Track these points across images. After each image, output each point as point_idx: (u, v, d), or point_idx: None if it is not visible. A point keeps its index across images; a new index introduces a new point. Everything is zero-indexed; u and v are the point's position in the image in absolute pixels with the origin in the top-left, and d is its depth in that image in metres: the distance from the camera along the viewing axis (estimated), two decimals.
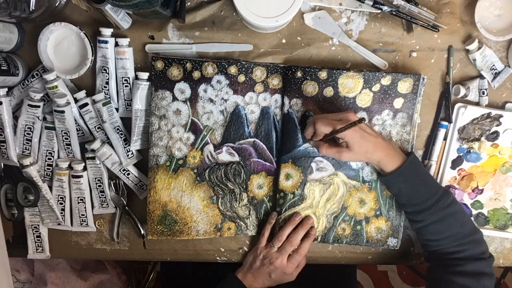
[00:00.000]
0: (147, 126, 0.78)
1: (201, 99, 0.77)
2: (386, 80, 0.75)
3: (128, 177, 0.81)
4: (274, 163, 0.79)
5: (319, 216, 0.79)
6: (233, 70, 0.76)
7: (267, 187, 0.80)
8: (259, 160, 0.79)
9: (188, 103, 0.77)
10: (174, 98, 0.77)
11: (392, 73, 0.75)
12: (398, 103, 0.76)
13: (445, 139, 0.78)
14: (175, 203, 0.79)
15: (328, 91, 0.76)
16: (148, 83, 0.77)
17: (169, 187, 0.79)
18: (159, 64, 0.76)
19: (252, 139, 0.78)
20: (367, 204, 0.79)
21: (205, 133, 0.78)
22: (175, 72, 0.76)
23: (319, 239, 0.80)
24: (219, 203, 0.80)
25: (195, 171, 0.79)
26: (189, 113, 0.77)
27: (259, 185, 0.80)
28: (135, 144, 0.78)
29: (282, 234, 0.77)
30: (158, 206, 0.79)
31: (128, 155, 0.79)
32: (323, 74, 0.75)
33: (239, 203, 0.80)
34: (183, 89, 0.77)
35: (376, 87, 0.75)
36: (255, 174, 0.79)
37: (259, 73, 0.77)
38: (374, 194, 0.78)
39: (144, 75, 0.76)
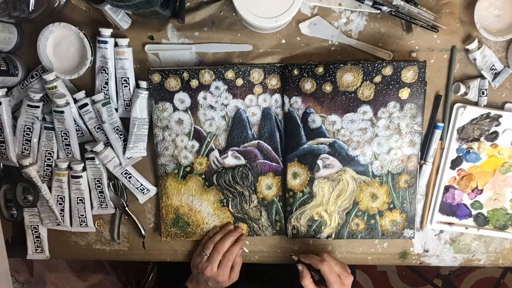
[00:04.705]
0: (144, 135, 0.78)
1: (202, 106, 0.77)
2: (387, 70, 0.73)
3: (129, 181, 0.81)
4: (281, 163, 0.79)
5: (331, 213, 0.79)
6: (230, 74, 0.76)
7: (276, 187, 0.80)
8: (265, 161, 0.79)
9: (189, 112, 0.78)
10: (175, 109, 0.77)
11: (392, 62, 0.74)
12: (404, 93, 0.75)
13: (441, 139, 0.78)
14: (187, 207, 0.81)
15: (327, 87, 0.75)
16: (148, 92, 0.77)
17: (179, 193, 0.80)
18: (156, 77, 0.76)
19: (256, 141, 0.79)
20: (379, 198, 0.79)
21: (209, 140, 0.78)
22: (172, 83, 0.76)
23: (333, 236, 0.80)
24: (230, 206, 0.81)
25: (203, 176, 0.80)
26: (191, 122, 0.78)
27: (268, 186, 0.80)
28: (131, 151, 0.78)
29: (211, 242, 0.78)
30: (171, 210, 0.81)
31: (127, 156, 0.79)
32: (319, 70, 0.75)
33: (249, 205, 0.80)
34: (182, 98, 0.77)
35: (377, 79, 0.74)
36: (262, 175, 0.80)
37: (256, 75, 0.76)
38: (386, 188, 0.78)
39: (145, 84, 0.76)
